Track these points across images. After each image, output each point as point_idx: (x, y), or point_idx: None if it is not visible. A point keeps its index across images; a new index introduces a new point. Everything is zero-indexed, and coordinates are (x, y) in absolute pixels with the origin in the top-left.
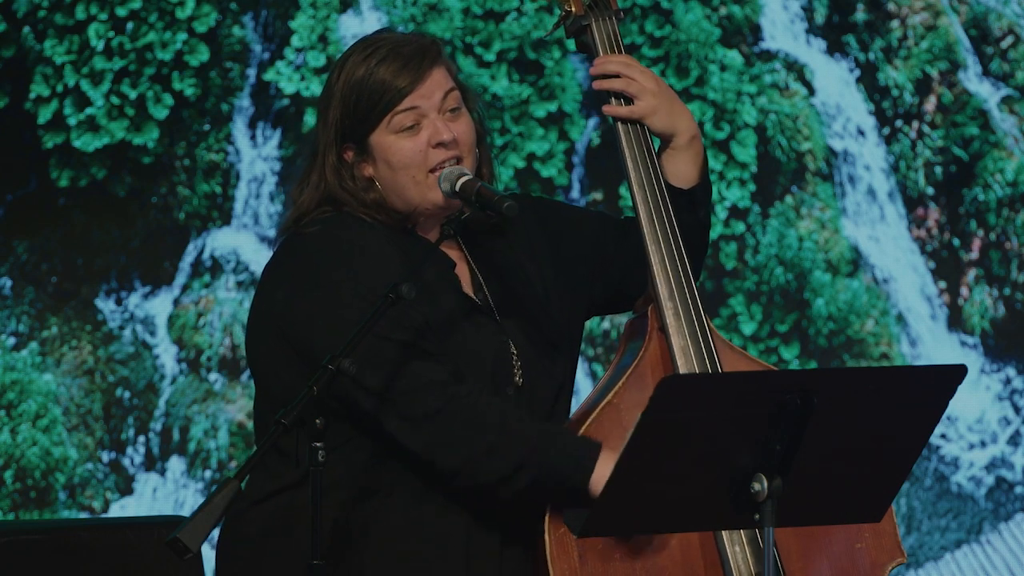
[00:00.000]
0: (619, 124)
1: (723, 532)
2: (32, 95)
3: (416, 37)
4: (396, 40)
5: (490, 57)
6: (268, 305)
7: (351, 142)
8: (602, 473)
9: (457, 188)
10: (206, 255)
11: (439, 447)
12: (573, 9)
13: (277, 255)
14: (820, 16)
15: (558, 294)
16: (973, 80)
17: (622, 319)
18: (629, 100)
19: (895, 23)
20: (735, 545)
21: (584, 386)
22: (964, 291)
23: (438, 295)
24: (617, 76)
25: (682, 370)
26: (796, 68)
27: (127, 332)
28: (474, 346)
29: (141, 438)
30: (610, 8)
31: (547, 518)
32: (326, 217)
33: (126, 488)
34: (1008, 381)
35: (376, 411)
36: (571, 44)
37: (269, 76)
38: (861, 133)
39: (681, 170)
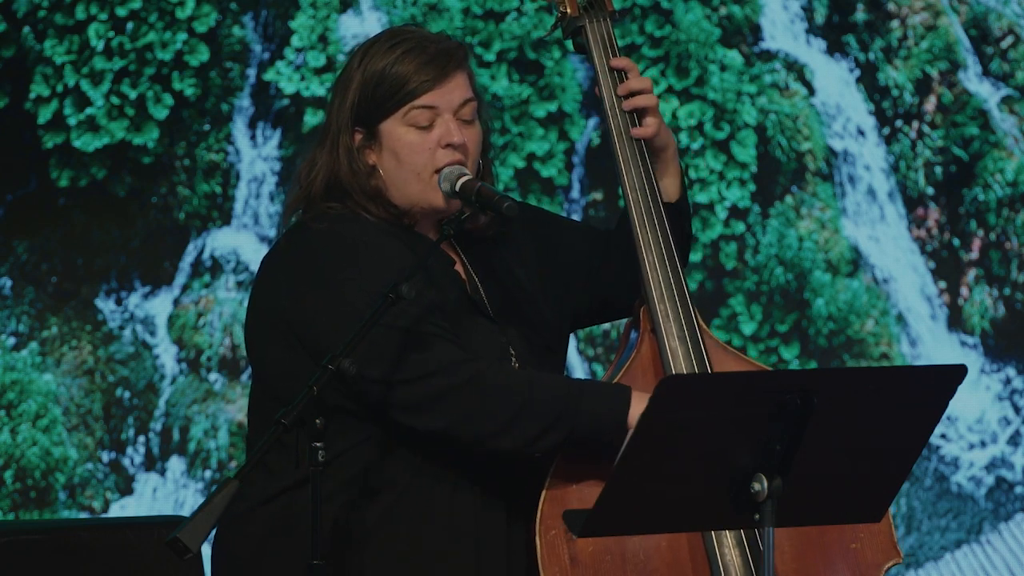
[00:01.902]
0: (614, 127)
1: (713, 533)
2: (32, 95)
3: (443, 37)
4: (424, 36)
5: (490, 57)
6: (273, 299)
7: (361, 126)
8: (637, 414)
9: (457, 188)
10: (206, 255)
11: (467, 418)
12: (568, 11)
13: (282, 248)
14: (820, 16)
15: (548, 299)
16: (973, 80)
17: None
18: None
19: (895, 23)
20: (724, 546)
21: None
22: (964, 291)
23: (444, 290)
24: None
25: (673, 371)
26: (796, 68)
27: (127, 332)
28: (475, 346)
29: (141, 438)
30: (605, 9)
31: (537, 521)
32: (332, 215)
33: (126, 488)
34: (1008, 381)
35: (392, 400)
36: (569, 44)
37: (269, 76)
38: (861, 133)
39: (669, 183)
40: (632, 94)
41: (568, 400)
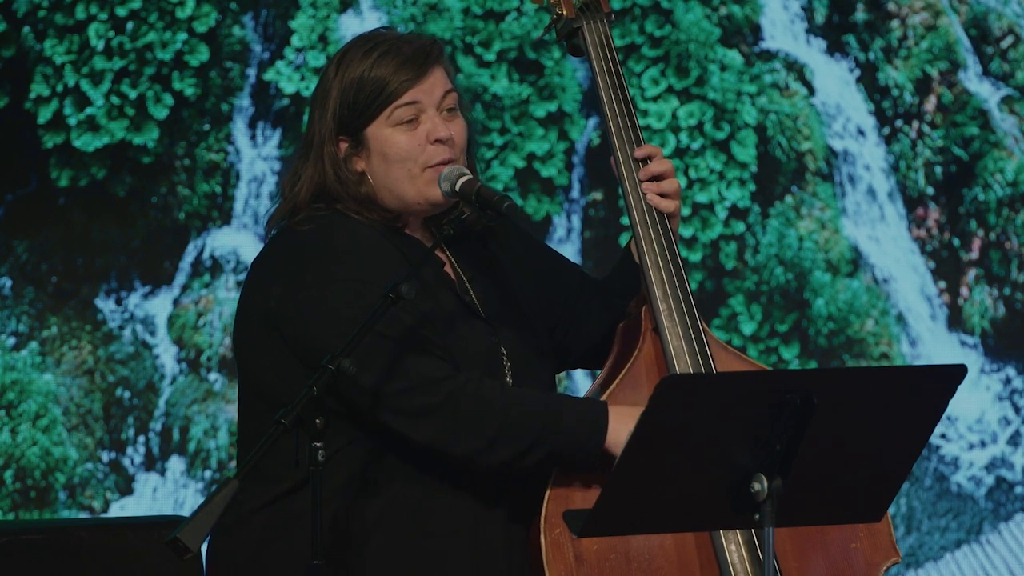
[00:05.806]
0: (613, 127)
1: (720, 532)
2: (32, 95)
3: (416, 36)
4: (397, 37)
5: (490, 57)
6: (263, 302)
7: (346, 135)
8: (615, 430)
9: (457, 188)
10: (206, 255)
11: (447, 438)
12: (564, 12)
13: (269, 251)
14: (820, 16)
15: (537, 303)
16: (973, 80)
17: None
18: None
19: (895, 23)
20: (731, 544)
21: (583, 386)
22: (964, 291)
23: (436, 292)
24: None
25: (676, 371)
26: (796, 68)
27: (127, 332)
28: (467, 345)
29: (141, 438)
30: (601, 10)
31: (542, 519)
32: (319, 215)
33: (126, 488)
34: (1008, 381)
35: (377, 409)
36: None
37: (269, 76)
38: (861, 133)
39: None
40: (655, 178)
41: (547, 419)
